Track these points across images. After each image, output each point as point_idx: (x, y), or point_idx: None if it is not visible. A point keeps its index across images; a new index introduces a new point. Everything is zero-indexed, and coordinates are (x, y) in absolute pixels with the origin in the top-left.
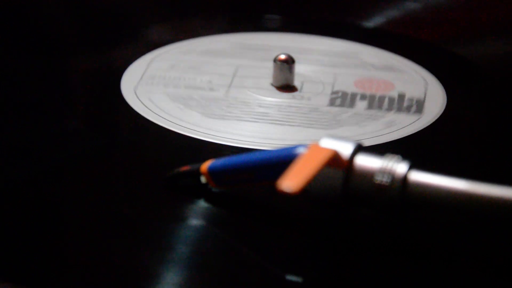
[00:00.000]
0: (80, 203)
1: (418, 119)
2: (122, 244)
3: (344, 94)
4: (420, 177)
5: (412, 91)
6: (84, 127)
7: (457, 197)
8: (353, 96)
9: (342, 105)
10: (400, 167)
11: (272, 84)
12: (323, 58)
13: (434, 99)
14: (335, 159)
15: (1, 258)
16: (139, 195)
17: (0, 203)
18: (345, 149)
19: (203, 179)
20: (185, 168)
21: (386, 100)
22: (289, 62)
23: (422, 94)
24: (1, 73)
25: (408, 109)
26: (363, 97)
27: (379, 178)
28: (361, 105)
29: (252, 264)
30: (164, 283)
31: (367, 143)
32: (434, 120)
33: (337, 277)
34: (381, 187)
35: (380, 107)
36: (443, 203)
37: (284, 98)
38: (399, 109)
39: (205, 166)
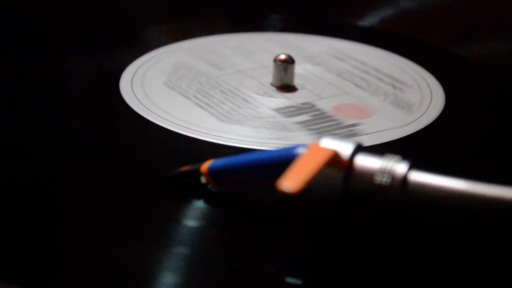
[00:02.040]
0: (80, 203)
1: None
2: (122, 244)
3: (310, 107)
4: (420, 177)
5: (380, 123)
6: (83, 127)
7: (457, 197)
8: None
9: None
10: (400, 167)
11: (272, 84)
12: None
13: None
14: (335, 159)
15: (1, 258)
16: (139, 195)
17: (0, 203)
18: (345, 149)
19: (203, 179)
20: (185, 168)
21: (327, 124)
22: (289, 62)
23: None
24: (1, 73)
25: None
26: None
27: (379, 178)
28: (300, 118)
29: (252, 264)
30: (163, 284)
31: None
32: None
33: (337, 277)
34: (381, 187)
35: (307, 126)
36: (443, 203)
37: (283, 98)
38: (320, 133)
39: (205, 166)
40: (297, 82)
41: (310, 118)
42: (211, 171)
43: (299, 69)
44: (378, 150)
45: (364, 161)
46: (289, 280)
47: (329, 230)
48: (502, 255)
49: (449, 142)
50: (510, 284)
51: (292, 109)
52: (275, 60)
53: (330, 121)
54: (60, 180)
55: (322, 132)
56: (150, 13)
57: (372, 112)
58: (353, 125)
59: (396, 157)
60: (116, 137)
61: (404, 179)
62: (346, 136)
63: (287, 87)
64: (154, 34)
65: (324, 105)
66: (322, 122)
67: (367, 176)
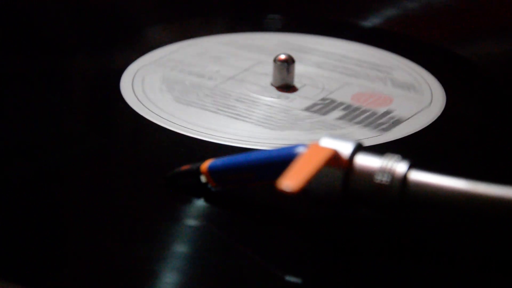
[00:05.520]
0: (80, 203)
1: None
2: (122, 244)
3: (331, 102)
4: (420, 176)
5: (405, 107)
6: (83, 127)
7: (457, 197)
8: (338, 105)
9: (317, 111)
10: (399, 167)
11: (272, 84)
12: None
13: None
14: (335, 159)
15: (1, 258)
16: (138, 195)
17: (0, 203)
18: (345, 149)
19: (203, 179)
20: (185, 167)
21: (364, 115)
22: (289, 62)
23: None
24: (2, 72)
25: (377, 126)
26: (346, 107)
27: (379, 178)
28: (335, 114)
29: (252, 264)
30: (164, 283)
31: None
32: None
33: (337, 277)
34: (381, 187)
35: (351, 120)
36: (443, 203)
37: (283, 98)
38: (367, 124)
39: (205, 165)
40: (297, 82)
41: (343, 112)
42: (211, 171)
43: (299, 69)
44: (378, 149)
45: (364, 161)
46: (289, 279)
47: (329, 230)
48: (502, 255)
49: (449, 142)
50: (510, 284)
51: (318, 106)
52: (275, 60)
53: (364, 112)
54: (60, 180)
55: (369, 124)
56: (151, 13)
57: (391, 100)
58: (387, 112)
59: (396, 157)
60: (116, 137)
61: (404, 178)
62: (391, 125)
63: (286, 87)
64: (154, 34)
65: (342, 98)
66: (358, 115)
67: (367, 175)
